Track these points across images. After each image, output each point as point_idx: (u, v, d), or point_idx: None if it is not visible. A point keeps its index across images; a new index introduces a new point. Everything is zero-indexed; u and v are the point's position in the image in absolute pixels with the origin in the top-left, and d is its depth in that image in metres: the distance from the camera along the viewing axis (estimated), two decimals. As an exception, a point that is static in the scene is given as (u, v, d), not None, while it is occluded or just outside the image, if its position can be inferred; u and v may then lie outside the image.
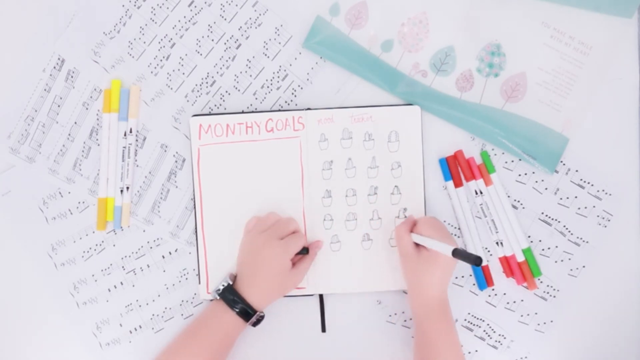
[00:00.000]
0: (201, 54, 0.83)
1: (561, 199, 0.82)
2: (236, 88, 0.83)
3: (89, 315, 0.83)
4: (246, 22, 0.82)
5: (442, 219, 0.82)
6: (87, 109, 0.82)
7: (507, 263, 0.81)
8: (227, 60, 0.83)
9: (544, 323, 0.82)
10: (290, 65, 0.83)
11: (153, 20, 0.82)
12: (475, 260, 0.64)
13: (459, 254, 0.66)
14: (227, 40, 0.83)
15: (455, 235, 0.82)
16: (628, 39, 0.81)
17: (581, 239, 0.82)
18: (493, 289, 0.82)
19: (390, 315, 0.82)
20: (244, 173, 0.81)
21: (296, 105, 0.83)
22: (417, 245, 0.75)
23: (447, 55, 0.82)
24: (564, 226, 0.82)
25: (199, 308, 0.82)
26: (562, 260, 0.82)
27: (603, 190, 0.81)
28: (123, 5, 0.82)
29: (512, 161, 0.82)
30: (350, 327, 0.82)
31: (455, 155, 0.82)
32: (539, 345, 0.82)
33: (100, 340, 0.83)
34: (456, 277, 0.82)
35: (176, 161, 0.83)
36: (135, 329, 0.83)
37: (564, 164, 0.81)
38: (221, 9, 0.82)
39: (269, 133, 0.81)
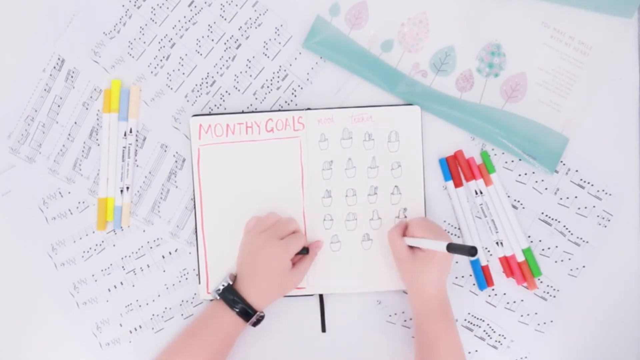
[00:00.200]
0: (201, 54, 0.83)
1: (561, 199, 0.82)
2: (236, 88, 0.83)
3: (89, 315, 0.83)
4: (246, 22, 0.82)
5: (442, 219, 0.82)
6: (87, 109, 0.82)
7: (507, 263, 0.81)
8: (227, 60, 0.83)
9: (544, 323, 0.82)
10: (290, 65, 0.83)
11: (153, 20, 0.82)
12: (470, 251, 0.63)
13: (453, 248, 0.66)
14: (227, 40, 0.83)
15: (455, 235, 0.82)
16: (628, 39, 0.81)
17: (581, 239, 0.82)
18: (493, 289, 0.82)
19: (390, 315, 0.82)
20: (244, 173, 0.81)
21: (296, 105, 0.83)
22: (411, 247, 0.75)
23: (447, 55, 0.82)
24: (564, 226, 0.82)
25: (199, 308, 0.82)
26: (562, 260, 0.82)
27: (603, 190, 0.81)
28: (123, 5, 0.82)
29: (512, 161, 0.82)
30: (350, 327, 0.82)
31: (455, 155, 0.82)
32: (539, 345, 0.82)
33: (100, 340, 0.83)
34: (456, 277, 0.82)
35: (176, 161, 0.83)
36: (135, 329, 0.83)
37: (564, 164, 0.81)
38: (221, 9, 0.82)
39: (269, 133, 0.81)
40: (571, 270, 0.82)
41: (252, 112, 0.82)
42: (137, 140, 0.82)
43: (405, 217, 0.81)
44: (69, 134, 0.82)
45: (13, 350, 0.83)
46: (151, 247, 0.83)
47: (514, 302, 0.82)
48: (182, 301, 0.83)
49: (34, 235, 0.83)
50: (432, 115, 0.82)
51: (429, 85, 0.82)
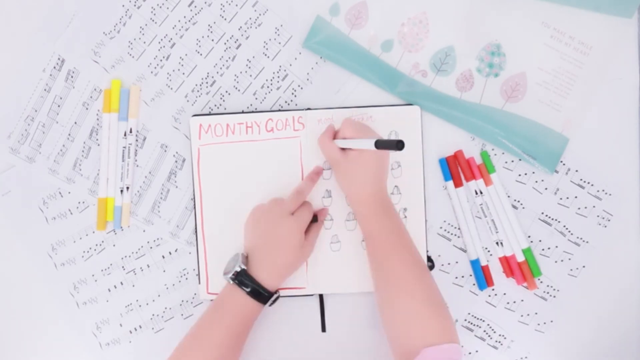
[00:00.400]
0: (201, 54, 0.83)
1: (561, 199, 0.82)
2: (236, 88, 0.83)
3: (89, 315, 0.83)
4: (246, 22, 0.82)
5: (442, 219, 0.82)
6: (87, 109, 0.83)
7: (507, 263, 0.81)
8: (227, 60, 0.83)
9: (544, 323, 0.82)
10: (290, 65, 0.83)
11: (153, 20, 0.82)
12: (397, 145, 0.63)
13: (380, 144, 0.66)
14: (227, 40, 0.83)
15: (455, 235, 0.82)
16: (628, 39, 0.81)
17: (581, 239, 0.82)
18: (493, 289, 0.82)
19: (390, 315, 0.82)
20: (244, 173, 0.81)
21: (296, 105, 0.83)
22: (342, 149, 0.75)
23: (447, 55, 0.82)
24: (564, 226, 0.82)
25: (199, 308, 0.82)
26: (562, 260, 0.82)
27: (603, 190, 0.81)
28: (123, 5, 0.82)
29: (512, 161, 0.82)
30: (350, 327, 0.82)
31: (455, 155, 0.82)
32: (539, 345, 0.82)
33: (100, 340, 0.83)
34: (456, 277, 0.82)
35: (176, 161, 0.83)
36: (135, 329, 0.83)
37: (564, 164, 0.81)
38: (221, 9, 0.82)
39: (269, 133, 0.81)
40: (571, 270, 0.82)
41: (252, 112, 0.82)
42: (137, 140, 0.82)
43: (406, 217, 0.81)
44: (69, 134, 0.82)
45: (13, 350, 0.83)
46: (151, 247, 0.83)
47: (514, 302, 0.82)
48: (182, 301, 0.83)
49: (34, 235, 0.83)
50: (432, 115, 0.82)
51: (429, 85, 0.82)
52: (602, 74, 0.81)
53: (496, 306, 0.82)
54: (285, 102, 0.83)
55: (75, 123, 0.82)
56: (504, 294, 0.82)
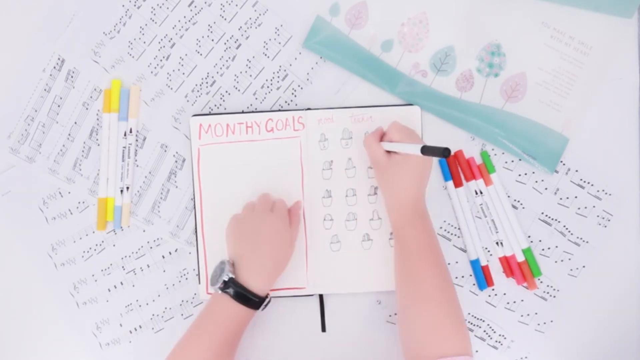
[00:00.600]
0: (201, 54, 0.83)
1: (561, 199, 0.82)
2: (236, 88, 0.83)
3: (89, 315, 0.83)
4: (246, 22, 0.82)
5: (442, 219, 0.82)
6: (87, 109, 0.83)
7: (507, 263, 0.81)
8: (227, 60, 0.83)
9: (544, 323, 0.82)
10: (290, 65, 0.83)
11: (153, 20, 0.82)
12: (444, 152, 0.63)
13: (427, 150, 0.66)
14: (227, 40, 0.83)
15: (455, 235, 0.82)
16: (628, 39, 0.81)
17: (581, 239, 0.82)
18: (493, 289, 0.82)
19: (390, 315, 0.82)
20: (244, 173, 0.81)
21: (296, 105, 0.83)
22: (388, 152, 0.75)
23: (447, 55, 0.82)
24: (564, 226, 0.82)
25: (199, 308, 0.82)
26: (562, 260, 0.82)
27: (603, 190, 0.81)
28: (123, 5, 0.82)
29: (512, 161, 0.82)
30: (350, 327, 0.82)
31: (455, 155, 0.82)
32: (539, 345, 0.82)
33: (100, 340, 0.83)
34: (456, 277, 0.82)
35: (176, 161, 0.83)
36: (135, 329, 0.83)
37: (564, 164, 0.81)
38: (221, 9, 0.82)
39: (269, 133, 0.81)
40: (571, 270, 0.82)
41: (252, 112, 0.82)
42: (137, 140, 0.82)
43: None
44: (69, 134, 0.82)
45: (13, 350, 0.83)
46: (151, 247, 0.83)
47: (514, 302, 0.82)
48: (182, 301, 0.83)
49: (34, 235, 0.83)
50: (432, 115, 0.82)
51: (429, 85, 0.82)
52: (602, 74, 0.81)
53: (496, 306, 0.82)
54: (285, 102, 0.83)
55: (75, 123, 0.82)
56: (504, 294, 0.82)
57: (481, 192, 0.81)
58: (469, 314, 0.82)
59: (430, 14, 0.81)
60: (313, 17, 0.82)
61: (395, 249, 0.75)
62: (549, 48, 0.81)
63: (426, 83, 0.82)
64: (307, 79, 0.83)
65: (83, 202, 0.83)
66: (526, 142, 0.81)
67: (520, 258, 0.81)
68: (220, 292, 0.71)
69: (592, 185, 0.81)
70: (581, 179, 0.81)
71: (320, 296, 0.82)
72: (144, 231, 0.83)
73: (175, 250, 0.83)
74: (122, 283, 0.83)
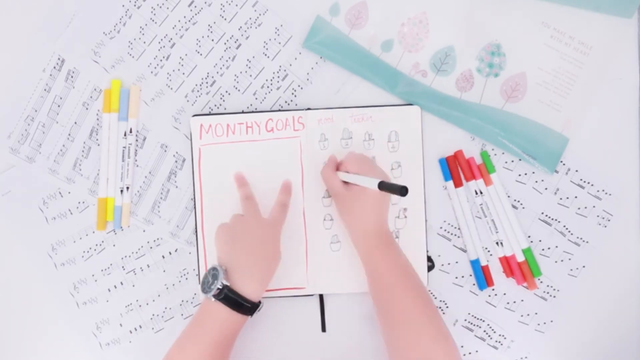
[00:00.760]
0: (201, 54, 0.83)
1: (561, 199, 0.82)
2: (236, 88, 0.83)
3: (89, 315, 0.83)
4: (246, 22, 0.82)
5: (442, 219, 0.82)
6: (87, 109, 0.83)
7: (507, 263, 0.81)
8: (227, 60, 0.83)
9: (544, 323, 0.82)
10: (290, 65, 0.83)
11: (153, 20, 0.82)
12: (401, 191, 0.62)
13: (384, 186, 0.66)
14: (227, 40, 0.83)
15: (455, 235, 0.82)
16: (628, 39, 0.81)
17: (581, 239, 0.82)
18: (493, 289, 0.82)
19: (390, 315, 0.82)
20: (244, 173, 0.81)
21: (296, 105, 0.83)
22: (345, 183, 0.75)
23: (447, 55, 0.82)
24: (564, 226, 0.82)
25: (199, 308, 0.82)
26: (562, 260, 0.82)
27: (603, 190, 0.81)
28: (123, 5, 0.82)
29: (512, 161, 0.82)
30: (350, 327, 0.82)
31: (455, 155, 0.82)
32: (539, 345, 0.82)
33: (100, 340, 0.83)
34: (456, 277, 0.82)
35: (176, 161, 0.83)
36: (135, 329, 0.83)
37: (564, 164, 0.81)
38: (221, 9, 0.82)
39: (269, 133, 0.81)
40: (571, 270, 0.82)
41: (252, 112, 0.82)
42: (137, 140, 0.82)
43: (406, 217, 0.81)
44: (69, 134, 0.82)
45: (13, 350, 0.83)
46: (151, 247, 0.83)
47: (514, 302, 0.82)
48: (182, 301, 0.83)
49: (34, 235, 0.83)
50: (432, 115, 0.82)
51: (429, 85, 0.82)
52: (602, 74, 0.81)
53: (496, 306, 0.82)
54: (285, 102, 0.83)
55: (75, 123, 0.82)
56: (504, 294, 0.82)
57: (481, 192, 0.81)
58: (469, 314, 0.82)
59: (430, 14, 0.81)
60: (313, 17, 0.82)
61: (367, 278, 0.74)
62: (549, 48, 0.81)
63: (426, 83, 0.82)
64: (307, 79, 0.83)
65: (83, 202, 0.83)
66: (526, 142, 0.81)
67: (520, 258, 0.81)
68: (214, 299, 0.70)
69: (592, 185, 0.81)
70: (581, 179, 0.81)
71: (320, 296, 0.82)
72: (144, 231, 0.83)
73: (175, 250, 0.83)
74: (122, 283, 0.83)
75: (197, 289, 0.82)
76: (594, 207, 0.82)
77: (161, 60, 0.83)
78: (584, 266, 0.82)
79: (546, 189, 0.82)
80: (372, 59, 0.82)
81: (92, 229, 0.83)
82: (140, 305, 0.83)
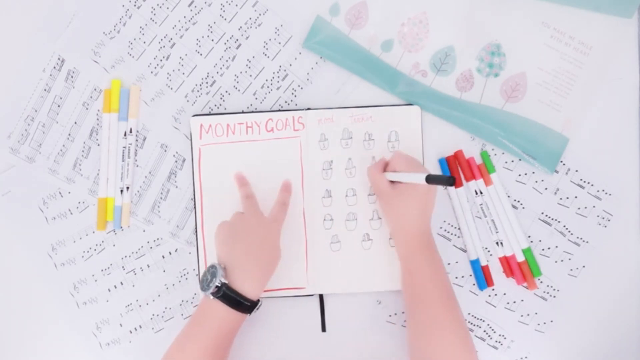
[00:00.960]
0: (201, 54, 0.83)
1: (561, 199, 0.82)
2: (236, 88, 0.83)
3: (89, 315, 0.83)
4: (246, 22, 0.82)
5: (442, 219, 0.82)
6: (87, 109, 0.83)
7: (507, 263, 0.81)
8: (227, 60, 0.83)
9: (544, 323, 0.82)
10: (290, 65, 0.83)
11: (153, 20, 0.82)
12: (448, 180, 0.64)
13: (431, 179, 0.67)
14: (227, 40, 0.83)
15: (455, 235, 0.82)
16: (628, 39, 0.81)
17: (581, 239, 0.82)
18: (493, 289, 0.82)
19: (390, 315, 0.82)
20: (244, 173, 0.81)
21: (296, 105, 0.83)
22: (392, 183, 0.75)
23: (447, 55, 0.82)
24: (564, 226, 0.82)
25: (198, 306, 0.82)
26: (562, 260, 0.82)
27: (603, 190, 0.81)
28: (123, 5, 0.82)
29: (512, 161, 0.82)
30: (350, 327, 0.82)
31: (455, 155, 0.82)
32: (539, 345, 0.82)
33: (100, 340, 0.83)
34: (456, 277, 0.82)
35: (176, 161, 0.83)
36: (135, 329, 0.83)
37: (564, 164, 0.81)
38: (221, 9, 0.82)
39: (269, 133, 0.81)
40: (571, 270, 0.82)
41: (252, 112, 0.82)
42: (137, 140, 0.82)
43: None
44: (69, 134, 0.82)
45: (13, 350, 0.83)
46: (151, 247, 0.83)
47: (514, 302, 0.82)
48: (182, 301, 0.83)
49: (34, 235, 0.83)
50: (432, 115, 0.82)
51: (429, 85, 0.82)
52: (602, 74, 0.81)
53: (496, 306, 0.82)
54: (285, 102, 0.83)
55: (75, 123, 0.82)
56: (504, 294, 0.82)
57: (481, 192, 0.81)
58: (469, 314, 0.82)
59: (430, 14, 0.81)
60: (313, 17, 0.82)
61: (403, 279, 0.75)
62: (549, 48, 0.81)
63: (426, 83, 0.82)
64: (307, 79, 0.83)
65: (83, 202, 0.83)
66: (526, 142, 0.81)
67: (520, 258, 0.81)
68: (212, 297, 0.70)
69: (592, 185, 0.81)
70: (581, 179, 0.82)
71: (320, 296, 0.82)
72: (144, 231, 0.83)
73: (175, 250, 0.83)
74: (122, 283, 0.83)
75: (198, 288, 0.82)
76: (594, 207, 0.82)
77: (161, 60, 0.83)
78: (584, 266, 0.82)
79: (546, 189, 0.82)
80: (372, 59, 0.82)
81: (92, 229, 0.83)
82: (140, 305, 0.83)
